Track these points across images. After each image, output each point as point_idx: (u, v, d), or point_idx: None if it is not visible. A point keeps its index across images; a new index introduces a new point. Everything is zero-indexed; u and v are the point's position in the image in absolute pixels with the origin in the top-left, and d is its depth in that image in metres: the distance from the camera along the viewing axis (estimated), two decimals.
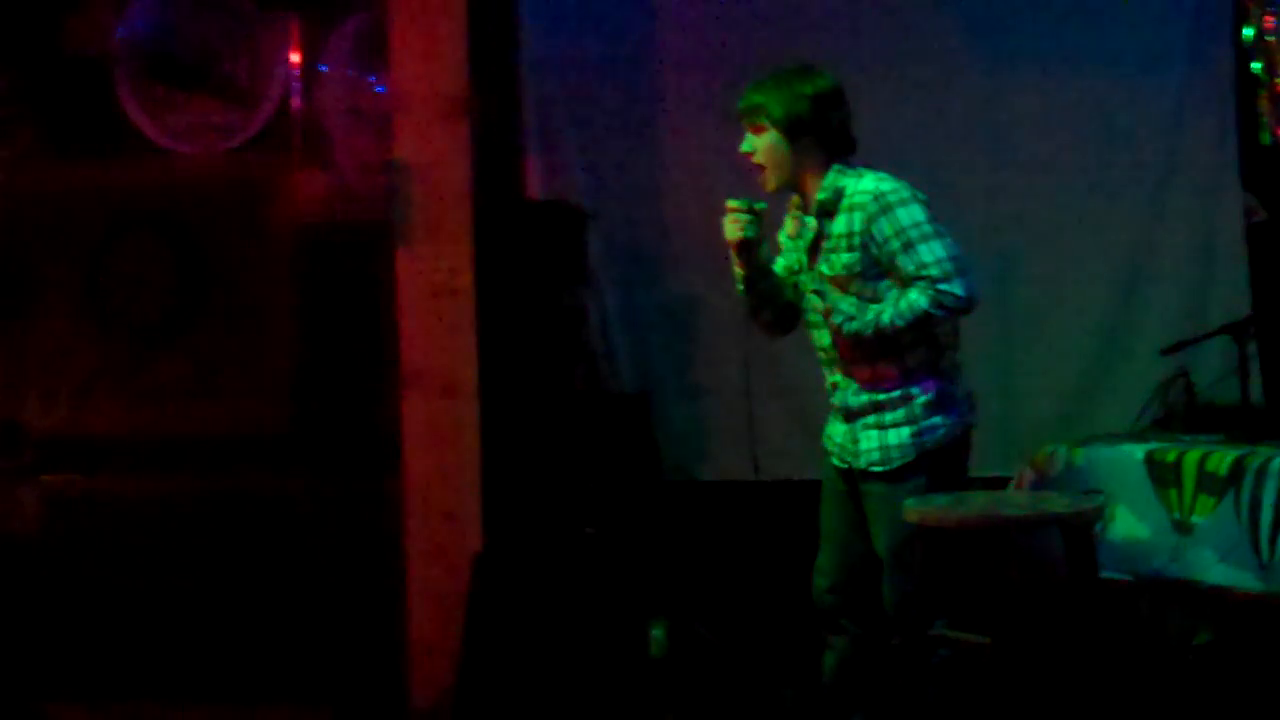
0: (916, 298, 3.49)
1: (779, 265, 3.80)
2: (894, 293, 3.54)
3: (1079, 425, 4.79)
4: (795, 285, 3.77)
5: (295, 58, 4.93)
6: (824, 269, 3.62)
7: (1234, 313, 4.70)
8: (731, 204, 3.63)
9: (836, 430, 3.74)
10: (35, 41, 5.14)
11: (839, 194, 3.58)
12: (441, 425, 4.41)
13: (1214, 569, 3.94)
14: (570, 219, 5.01)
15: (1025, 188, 5.07)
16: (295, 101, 4.92)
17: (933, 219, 3.53)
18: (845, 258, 3.56)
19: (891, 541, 3.61)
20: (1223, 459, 4.00)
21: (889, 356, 3.60)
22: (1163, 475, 4.12)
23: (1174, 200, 4.99)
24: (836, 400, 3.72)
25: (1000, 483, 4.50)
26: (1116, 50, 4.96)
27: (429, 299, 4.41)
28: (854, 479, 3.72)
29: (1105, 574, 3.97)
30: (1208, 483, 4.00)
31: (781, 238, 3.82)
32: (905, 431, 3.61)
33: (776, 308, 3.78)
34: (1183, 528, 4.06)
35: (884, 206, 3.51)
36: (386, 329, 4.50)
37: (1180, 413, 4.48)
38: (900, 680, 3.65)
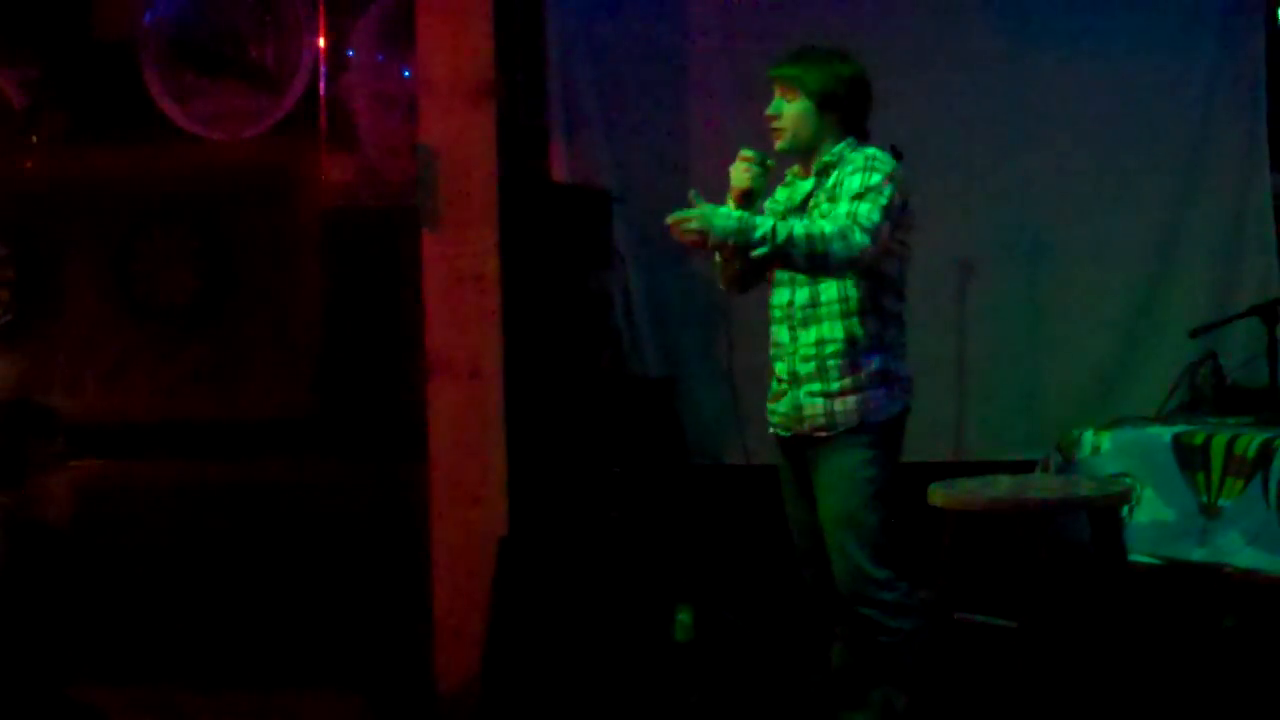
0: (824, 225, 3.47)
1: (768, 212, 3.77)
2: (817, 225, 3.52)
3: (1106, 408, 4.78)
4: None
5: (321, 42, 4.93)
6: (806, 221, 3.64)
7: (1263, 294, 4.68)
8: (746, 153, 3.66)
9: (780, 403, 3.73)
10: (65, 28, 5.16)
11: (841, 158, 3.65)
12: (467, 409, 4.41)
13: (1242, 552, 3.93)
14: (596, 202, 5.01)
15: (1054, 171, 5.05)
16: (321, 86, 4.92)
17: (894, 202, 3.54)
18: (825, 206, 3.60)
19: (842, 507, 3.59)
20: (1251, 441, 3.98)
21: (839, 319, 3.61)
22: (1190, 458, 4.11)
23: (1203, 182, 4.97)
24: (781, 367, 3.72)
25: (1027, 466, 4.49)
26: (1146, 32, 4.94)
27: (455, 283, 4.41)
28: (799, 450, 3.71)
29: (1133, 557, 3.96)
30: (1236, 465, 3.98)
31: (767, 204, 3.82)
32: (851, 400, 3.60)
33: (745, 265, 3.76)
34: (1210, 511, 4.04)
35: (870, 167, 3.57)
36: (412, 313, 4.51)
37: (1208, 395, 4.46)
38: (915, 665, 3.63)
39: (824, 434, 3.63)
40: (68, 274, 5.22)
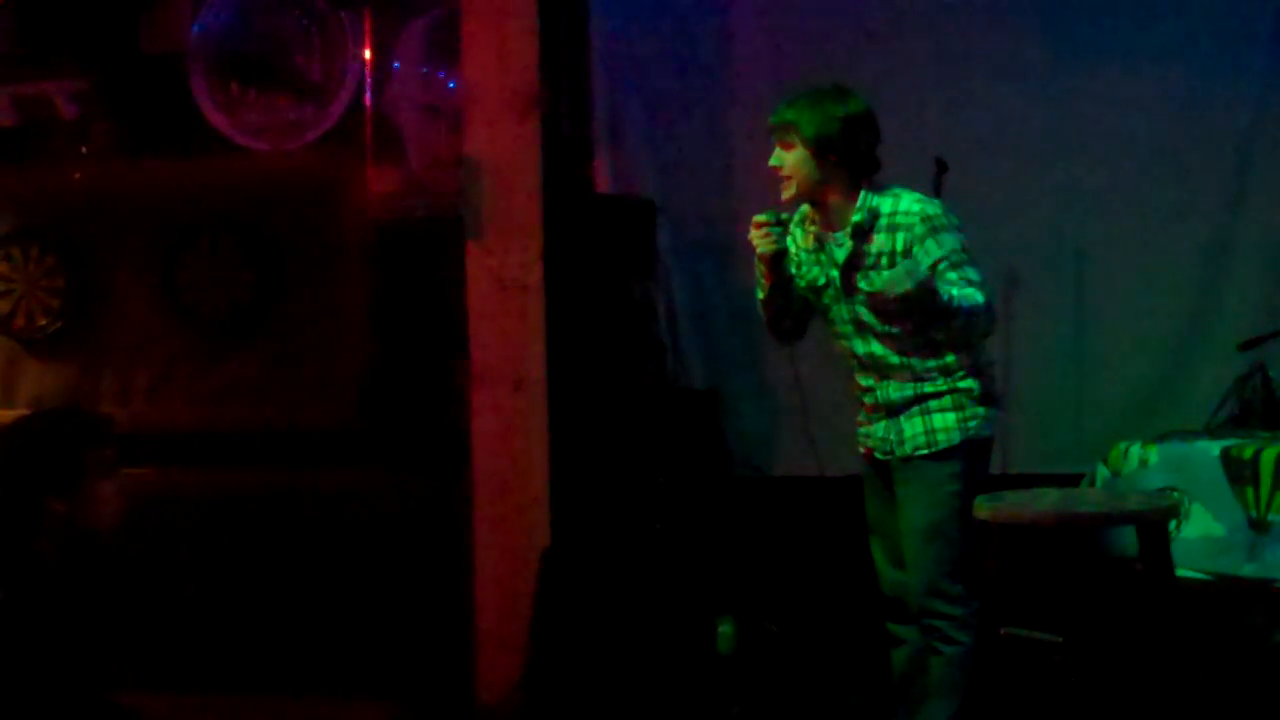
0: (974, 292, 3.53)
1: (800, 282, 3.79)
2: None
3: (1154, 421, 4.74)
4: (809, 291, 3.78)
5: (368, 54, 4.95)
6: (864, 285, 3.64)
7: None
8: (759, 218, 3.66)
9: (876, 428, 3.73)
10: (114, 41, 5.20)
11: (874, 214, 3.62)
12: (511, 420, 4.42)
13: None
14: (639, 213, 5.01)
15: (1101, 181, 5.03)
16: (367, 98, 4.94)
17: (967, 244, 3.60)
18: (887, 275, 3.55)
19: (926, 520, 3.60)
20: None
21: (930, 354, 3.62)
22: (1239, 472, 4.07)
23: (1251, 194, 4.93)
24: (873, 400, 3.72)
25: (1073, 479, 4.46)
26: (1195, 42, 4.92)
27: (499, 294, 4.43)
28: (891, 470, 3.71)
29: (1181, 572, 3.91)
30: None
31: (791, 247, 3.78)
32: (951, 417, 3.61)
33: (794, 314, 3.81)
34: (1260, 525, 4.00)
35: (933, 229, 3.57)
36: (457, 324, 4.53)
37: (1258, 408, 4.42)
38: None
39: (923, 451, 3.64)
40: (115, 283, 5.25)
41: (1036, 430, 5.06)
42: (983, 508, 3.49)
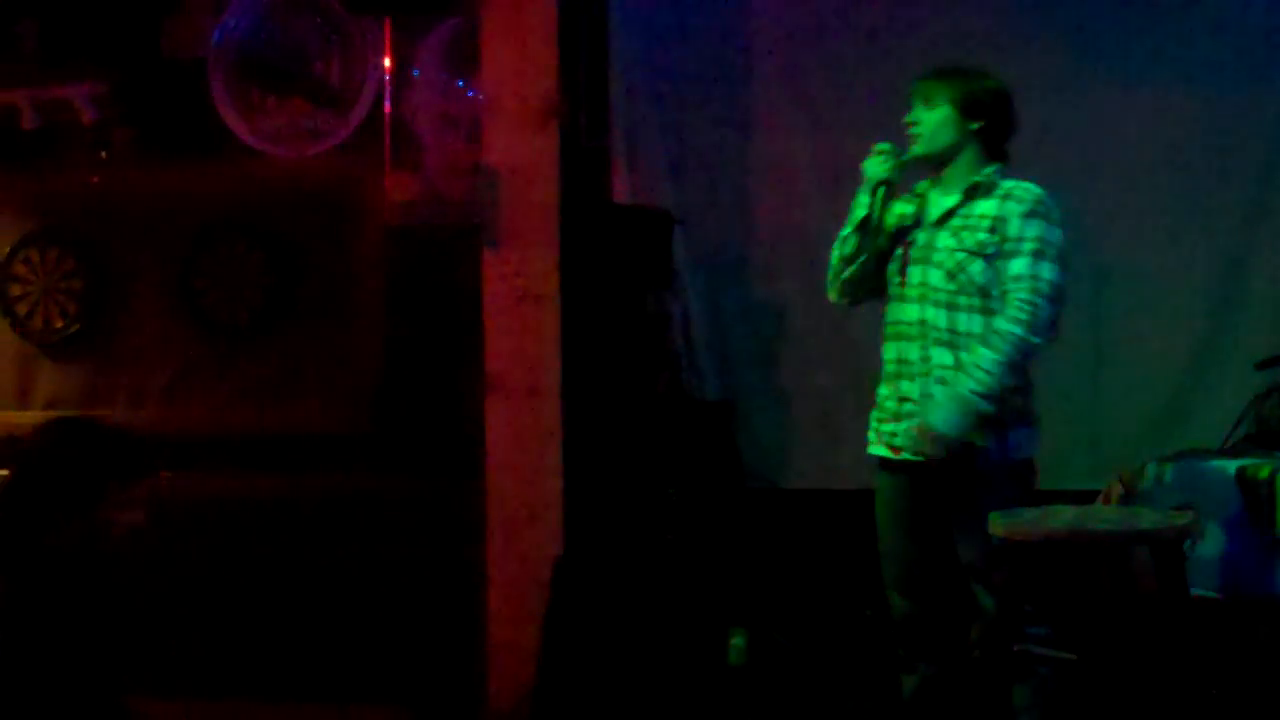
0: (1003, 324, 3.50)
1: (891, 215, 3.74)
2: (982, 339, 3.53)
3: (1169, 440, 4.72)
4: (882, 255, 3.74)
5: (387, 62, 4.96)
6: (949, 241, 3.60)
7: None
8: (881, 146, 3.66)
9: (899, 425, 3.65)
10: (134, 45, 5.22)
11: (994, 184, 3.61)
12: (524, 428, 4.43)
13: None
14: (656, 224, 5.01)
15: (1117, 197, 5.01)
16: (386, 106, 4.96)
17: (1065, 251, 3.57)
18: (981, 236, 3.56)
19: (988, 545, 3.53)
20: None
21: (981, 349, 3.55)
22: (1255, 492, 4.05)
23: (1271, 212, 4.91)
24: (907, 388, 3.64)
25: (1088, 497, 4.44)
26: (1215, 57, 4.90)
27: (515, 303, 4.44)
28: (918, 476, 3.64)
29: (1195, 591, 3.90)
30: None
31: (890, 219, 3.76)
32: (991, 435, 3.56)
33: (863, 269, 3.75)
34: (1275, 545, 3.98)
35: (1042, 213, 3.56)
36: (472, 332, 4.53)
37: (1274, 428, 4.40)
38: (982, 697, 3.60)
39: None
40: (132, 287, 5.26)
41: (1052, 446, 5.03)
42: (997, 524, 3.48)
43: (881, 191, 3.64)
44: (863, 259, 3.72)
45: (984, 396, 3.49)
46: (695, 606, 4.41)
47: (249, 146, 5.10)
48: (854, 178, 4.76)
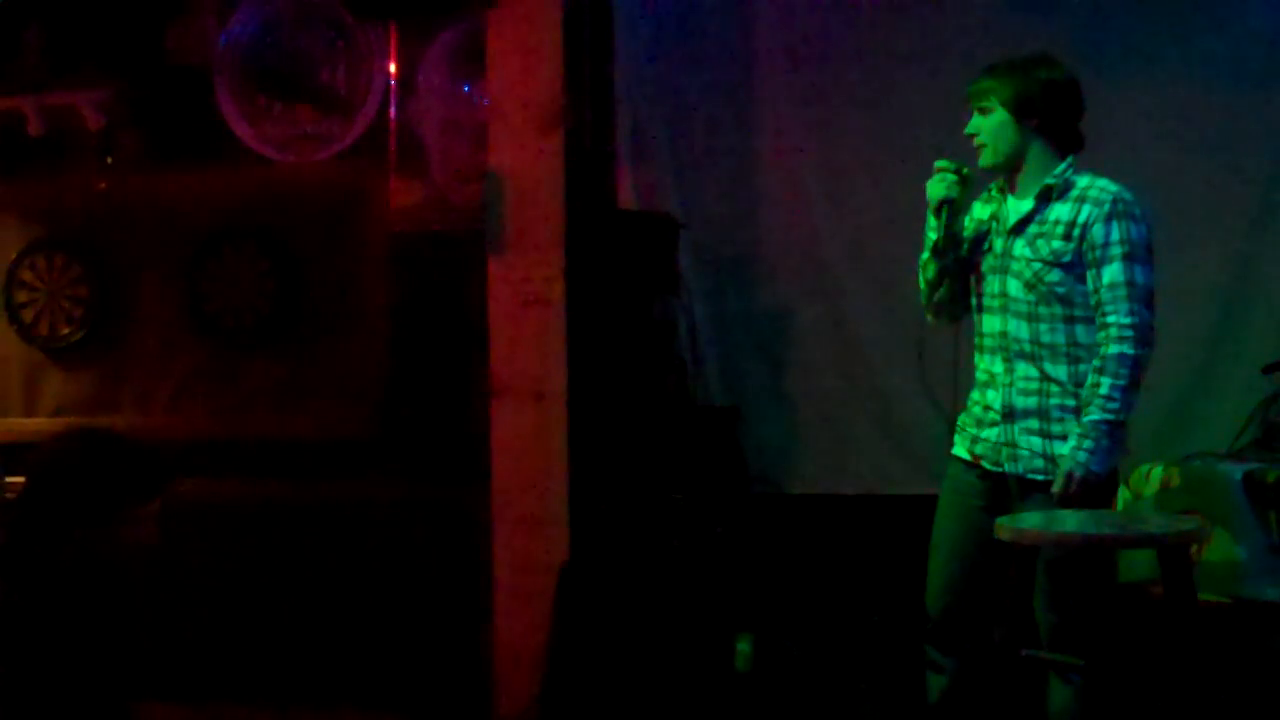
0: (1114, 348, 3.42)
1: (967, 229, 3.68)
2: (1094, 366, 3.45)
3: (1176, 444, 4.71)
4: (967, 266, 3.67)
5: (392, 68, 4.97)
6: (1025, 250, 3.53)
7: None
8: (940, 164, 3.59)
9: (990, 432, 3.58)
10: (140, 51, 5.22)
11: (1068, 184, 3.52)
12: (530, 434, 4.42)
13: None
14: (662, 229, 5.01)
15: None
16: (392, 112, 4.96)
17: (1152, 246, 3.49)
18: (1057, 244, 3.48)
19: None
20: None
21: (1064, 361, 3.51)
22: (1262, 496, 4.05)
23: (1277, 215, 4.89)
24: (993, 398, 3.58)
25: None
26: (1222, 59, 4.88)
27: (520, 308, 4.44)
28: (1002, 488, 3.58)
29: (1202, 596, 3.89)
30: None
31: (967, 221, 3.70)
32: (1072, 445, 3.48)
33: (952, 289, 3.68)
34: None
35: (1123, 212, 3.46)
36: (478, 337, 4.53)
37: None
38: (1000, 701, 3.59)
39: (1039, 477, 3.52)
40: (139, 292, 5.27)
41: None
42: (1004, 529, 3.48)
43: (946, 211, 3.58)
44: (948, 280, 3.67)
45: (1118, 425, 3.43)
46: (701, 612, 4.40)
47: (254, 152, 5.12)
48: (858, 180, 4.79)
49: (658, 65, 5.33)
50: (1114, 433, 3.45)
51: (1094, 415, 3.43)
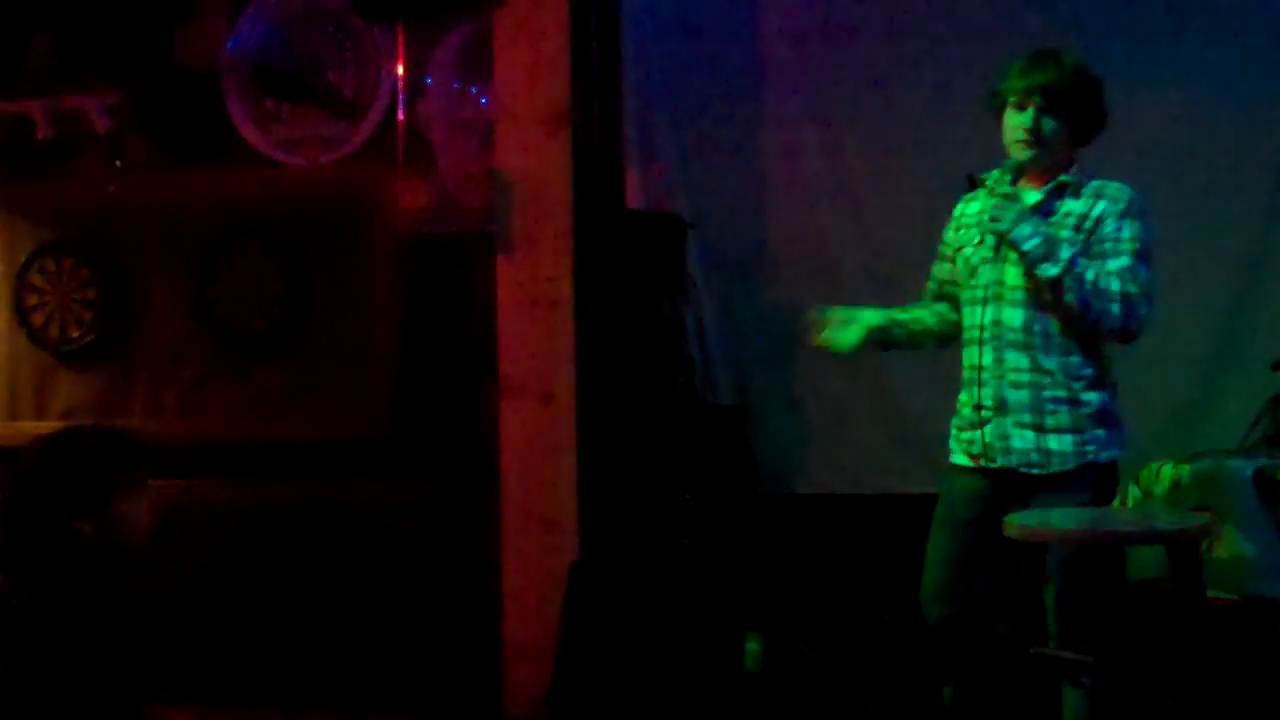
0: (1114, 282, 3.40)
1: (950, 244, 3.70)
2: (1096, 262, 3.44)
3: (1186, 441, 4.70)
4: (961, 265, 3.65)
5: (400, 70, 4.97)
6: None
7: None
8: (985, 175, 3.56)
9: (983, 431, 3.53)
10: (149, 55, 5.23)
11: (1081, 183, 3.52)
12: (539, 434, 4.43)
13: None
14: (670, 229, 5.02)
15: None
16: (400, 113, 4.97)
17: (1153, 247, 3.50)
18: (1065, 233, 3.46)
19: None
20: None
21: (1055, 352, 3.48)
22: (1272, 493, 4.04)
23: None
24: (982, 393, 3.53)
25: None
26: (1228, 61, 4.88)
27: (529, 308, 4.44)
28: (1000, 484, 3.55)
29: (1212, 593, 3.88)
30: None
31: (948, 232, 3.72)
32: (1068, 439, 3.47)
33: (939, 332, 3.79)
34: None
35: (1138, 213, 3.48)
36: (486, 338, 4.54)
37: None
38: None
39: (1035, 470, 3.49)
40: (148, 295, 5.28)
41: None
42: (1012, 526, 3.47)
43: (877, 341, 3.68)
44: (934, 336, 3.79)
45: (1051, 265, 3.39)
46: (710, 612, 4.40)
47: (263, 155, 5.12)
48: (864, 180, 4.78)
49: (665, 64, 5.33)
50: (1050, 252, 3.39)
51: (1066, 251, 3.41)
